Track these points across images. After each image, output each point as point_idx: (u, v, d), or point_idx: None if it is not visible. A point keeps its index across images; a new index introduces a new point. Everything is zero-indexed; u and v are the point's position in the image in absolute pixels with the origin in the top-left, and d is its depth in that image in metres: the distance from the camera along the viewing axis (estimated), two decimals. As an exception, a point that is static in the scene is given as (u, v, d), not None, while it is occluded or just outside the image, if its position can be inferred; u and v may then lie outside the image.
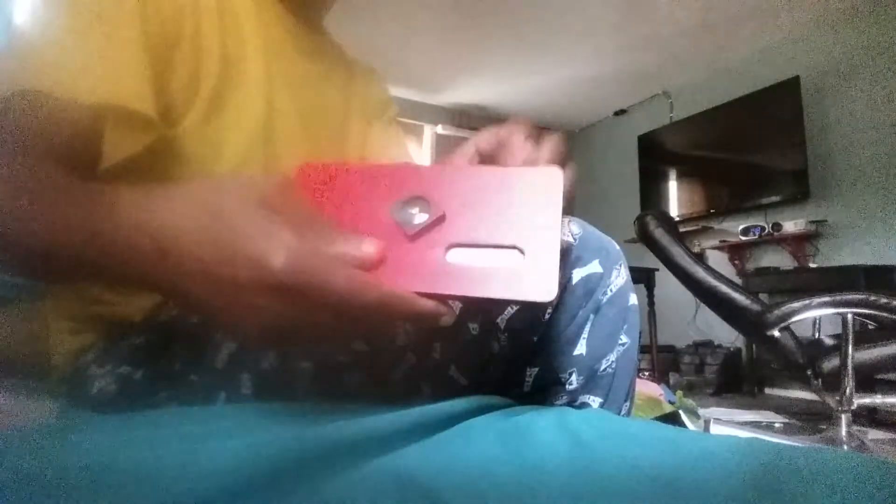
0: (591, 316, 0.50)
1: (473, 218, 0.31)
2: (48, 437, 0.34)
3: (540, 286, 0.29)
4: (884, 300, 1.71)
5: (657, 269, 2.88)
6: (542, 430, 0.33)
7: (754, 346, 3.31)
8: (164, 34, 0.48)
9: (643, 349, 3.04)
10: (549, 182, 0.31)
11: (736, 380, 3.55)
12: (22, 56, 0.43)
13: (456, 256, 0.30)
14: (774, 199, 3.58)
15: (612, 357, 0.50)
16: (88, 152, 0.42)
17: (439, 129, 4.79)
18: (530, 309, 0.49)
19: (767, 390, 3.51)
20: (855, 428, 1.91)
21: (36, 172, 0.38)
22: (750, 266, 3.71)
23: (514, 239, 0.30)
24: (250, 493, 0.24)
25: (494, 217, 0.31)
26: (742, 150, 3.77)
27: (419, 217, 0.30)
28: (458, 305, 0.32)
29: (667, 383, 3.30)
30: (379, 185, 0.32)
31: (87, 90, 0.42)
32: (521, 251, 0.30)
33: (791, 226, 3.37)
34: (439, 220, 0.30)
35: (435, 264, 0.30)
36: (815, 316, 1.89)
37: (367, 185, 0.32)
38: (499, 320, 0.49)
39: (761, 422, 2.52)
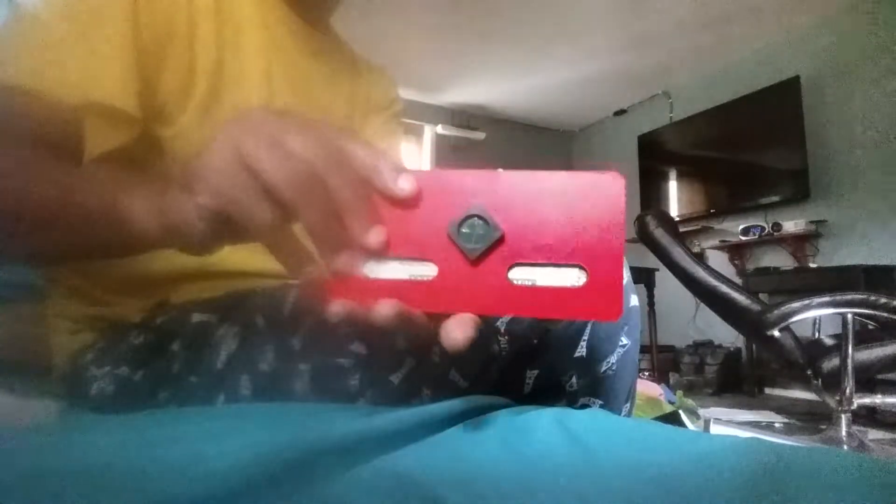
0: (592, 317, 0.50)
1: (535, 234, 0.29)
2: (48, 437, 0.34)
3: (605, 306, 0.29)
4: (884, 300, 1.71)
5: (657, 269, 2.88)
6: (542, 429, 0.33)
7: (754, 346, 3.31)
8: (155, 31, 0.48)
9: (643, 349, 3.05)
10: (611, 189, 0.29)
11: (736, 380, 3.55)
12: (6, 51, 0.43)
13: (517, 273, 0.29)
14: (774, 199, 3.58)
15: (613, 359, 0.50)
16: (71, 147, 0.43)
17: (439, 129, 4.79)
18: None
19: (767, 390, 3.51)
20: (855, 428, 1.91)
21: (18, 157, 0.40)
22: (750, 266, 3.71)
23: (577, 257, 0.29)
24: (250, 493, 0.24)
25: (556, 232, 0.29)
26: (742, 150, 3.77)
27: (479, 239, 0.29)
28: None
29: (667, 383, 3.30)
30: (430, 195, 0.30)
31: (69, 87, 0.42)
32: (585, 269, 0.29)
33: (791, 226, 3.37)
34: (500, 241, 0.29)
35: (497, 286, 0.29)
36: (815, 316, 1.88)
37: (419, 195, 0.30)
38: (499, 323, 0.49)
39: (761, 422, 2.52)
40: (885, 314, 1.71)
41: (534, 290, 0.29)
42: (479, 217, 0.29)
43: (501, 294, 0.29)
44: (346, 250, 0.29)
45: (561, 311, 0.29)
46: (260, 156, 0.28)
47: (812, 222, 3.35)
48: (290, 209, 0.28)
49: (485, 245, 0.29)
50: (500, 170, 0.30)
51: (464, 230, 0.29)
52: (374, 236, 0.29)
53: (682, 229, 2.74)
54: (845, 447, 1.83)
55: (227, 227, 0.30)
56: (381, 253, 0.30)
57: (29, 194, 0.39)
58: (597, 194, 0.29)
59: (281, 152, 0.28)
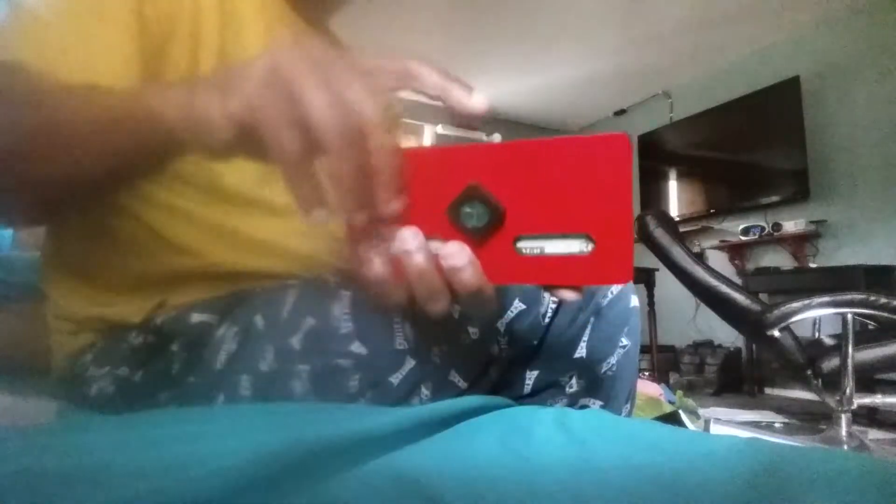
0: (592, 319, 0.50)
1: (538, 205, 0.29)
2: (48, 437, 0.34)
3: (615, 270, 0.28)
4: (884, 300, 1.71)
5: (657, 269, 2.88)
6: (542, 429, 0.33)
7: (754, 346, 3.31)
8: (159, 27, 0.48)
9: (643, 349, 3.03)
10: (616, 151, 0.28)
11: (736, 380, 3.55)
12: (10, 29, 0.43)
13: (525, 243, 0.29)
14: (774, 199, 3.58)
15: (613, 360, 0.50)
16: None
17: (439, 129, 4.79)
18: (532, 312, 0.49)
19: (767, 390, 3.51)
20: (855, 428, 1.91)
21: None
22: (750, 266, 3.71)
23: (583, 226, 0.28)
24: (250, 493, 0.24)
25: (560, 201, 0.28)
26: (742, 150, 3.77)
27: (480, 218, 0.29)
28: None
29: (667, 383, 3.30)
30: (429, 174, 0.29)
31: (69, 67, 0.42)
32: (592, 238, 0.28)
33: (791, 226, 3.37)
34: (502, 216, 0.29)
35: (503, 257, 0.29)
36: (815, 316, 1.89)
37: (417, 176, 0.29)
38: (499, 323, 0.49)
39: (761, 422, 2.52)
40: (885, 314, 1.71)
41: (542, 259, 0.29)
42: (477, 195, 0.29)
43: (510, 265, 0.29)
44: (363, 210, 0.29)
45: (571, 278, 0.29)
46: (311, 89, 0.27)
47: (812, 222, 3.35)
48: (323, 151, 0.27)
49: (485, 224, 0.29)
50: (499, 141, 0.30)
51: (465, 210, 0.29)
52: (392, 206, 0.29)
53: (682, 229, 2.74)
54: (845, 447, 1.83)
55: (249, 140, 0.29)
56: (393, 223, 0.29)
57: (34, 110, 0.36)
58: (601, 157, 0.28)
59: (335, 95, 0.27)
